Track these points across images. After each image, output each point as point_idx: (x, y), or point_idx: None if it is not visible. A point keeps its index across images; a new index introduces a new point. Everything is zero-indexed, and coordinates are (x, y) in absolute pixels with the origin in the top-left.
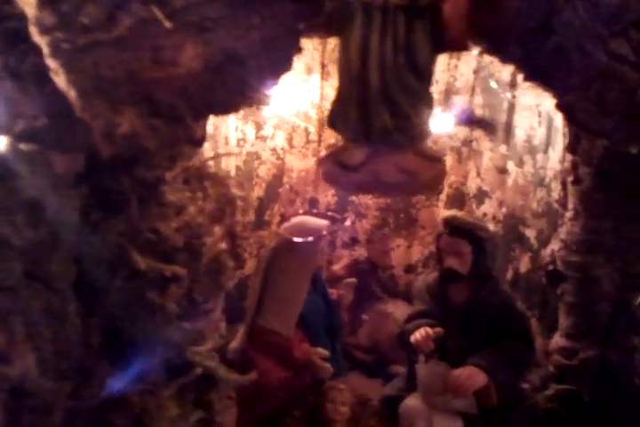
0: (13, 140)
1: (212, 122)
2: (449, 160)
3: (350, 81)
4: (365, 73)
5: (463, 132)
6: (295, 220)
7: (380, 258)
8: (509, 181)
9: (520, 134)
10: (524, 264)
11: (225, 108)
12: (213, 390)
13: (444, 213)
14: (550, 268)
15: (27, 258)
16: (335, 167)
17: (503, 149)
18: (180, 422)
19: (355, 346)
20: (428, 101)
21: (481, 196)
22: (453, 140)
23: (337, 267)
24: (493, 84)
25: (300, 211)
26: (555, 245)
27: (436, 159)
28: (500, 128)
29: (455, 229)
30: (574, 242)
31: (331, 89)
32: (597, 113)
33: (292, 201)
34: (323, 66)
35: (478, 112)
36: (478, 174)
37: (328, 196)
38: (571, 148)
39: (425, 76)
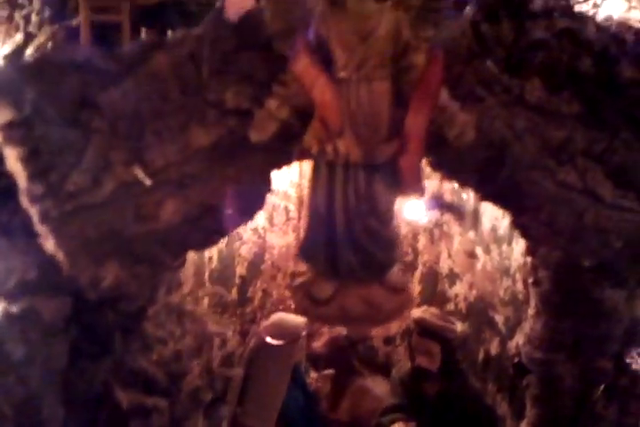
0: (6, 299)
1: None
2: (422, 240)
3: (318, 223)
4: (331, 217)
5: (434, 215)
6: (274, 318)
7: (359, 332)
8: (478, 266)
9: (487, 223)
10: (494, 347)
11: (203, 247)
12: None
13: (415, 311)
14: (516, 360)
15: (17, 415)
16: (305, 300)
17: (472, 234)
18: None
19: (335, 422)
20: (390, 240)
21: (452, 277)
22: (426, 222)
23: (317, 344)
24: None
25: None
26: (519, 339)
27: (399, 290)
28: (468, 214)
29: (424, 330)
30: (537, 339)
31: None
32: (549, 233)
33: (273, 276)
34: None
35: (447, 198)
36: (449, 256)
37: None
38: (529, 251)
39: (386, 219)
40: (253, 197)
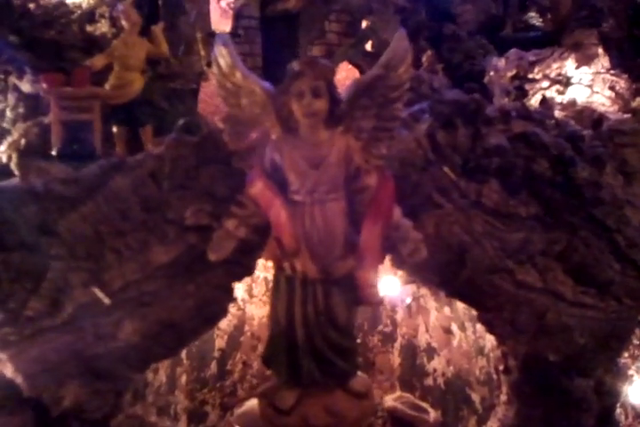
0: None
1: None
2: (400, 312)
3: (279, 334)
4: (291, 329)
5: (411, 287)
6: (247, 406)
7: None
8: (455, 342)
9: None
10: (472, 426)
11: (165, 358)
12: None
13: (387, 400)
14: None
15: None
16: (269, 409)
17: (447, 310)
18: None
19: None
20: (351, 349)
21: (430, 351)
22: (403, 297)
23: None
24: None
25: None
26: (493, 424)
27: (362, 396)
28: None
29: (397, 420)
30: (509, 426)
31: None
32: (512, 331)
33: (253, 347)
34: None
35: None
36: (427, 330)
37: None
38: (499, 341)
39: (346, 330)
40: (215, 312)
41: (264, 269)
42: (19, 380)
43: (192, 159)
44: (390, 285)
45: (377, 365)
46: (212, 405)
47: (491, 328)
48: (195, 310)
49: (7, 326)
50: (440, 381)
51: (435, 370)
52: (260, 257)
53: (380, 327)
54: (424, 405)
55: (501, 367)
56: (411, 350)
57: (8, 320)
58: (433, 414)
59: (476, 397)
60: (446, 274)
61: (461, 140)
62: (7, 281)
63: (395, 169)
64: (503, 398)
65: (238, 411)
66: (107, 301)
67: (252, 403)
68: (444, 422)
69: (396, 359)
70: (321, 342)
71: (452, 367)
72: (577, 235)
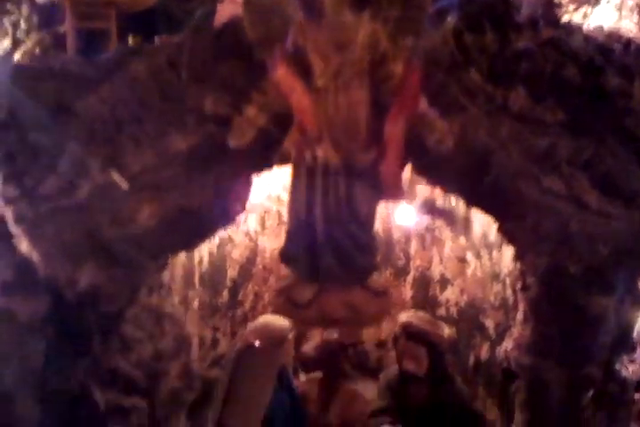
0: None
1: None
2: (414, 245)
3: (298, 226)
4: (311, 222)
5: (426, 220)
6: (260, 321)
7: (350, 336)
8: (469, 271)
9: (477, 228)
10: (485, 352)
11: (182, 250)
12: None
13: (401, 316)
14: (504, 365)
15: None
16: (286, 303)
17: (462, 240)
18: None
19: (325, 425)
20: (371, 245)
21: (444, 282)
22: (418, 227)
23: (307, 348)
24: None
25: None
26: (508, 344)
27: (381, 294)
28: (459, 220)
29: (411, 334)
30: (525, 344)
31: None
32: (535, 240)
33: (265, 279)
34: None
35: (439, 203)
36: (441, 261)
37: None
38: (517, 257)
39: (367, 224)
40: (234, 204)
41: (277, 201)
42: (35, 257)
43: (211, 50)
44: (405, 214)
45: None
46: (222, 332)
47: (512, 239)
48: (214, 200)
49: (22, 202)
50: (453, 310)
51: (447, 300)
52: (279, 151)
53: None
54: (439, 322)
55: (519, 286)
56: (424, 283)
57: (23, 196)
58: (447, 331)
59: (489, 323)
60: (470, 180)
61: (489, 43)
62: (23, 158)
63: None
64: (519, 317)
65: (251, 325)
66: (124, 185)
67: (265, 318)
68: (457, 349)
69: (408, 292)
70: (341, 236)
71: (465, 296)
72: (604, 144)
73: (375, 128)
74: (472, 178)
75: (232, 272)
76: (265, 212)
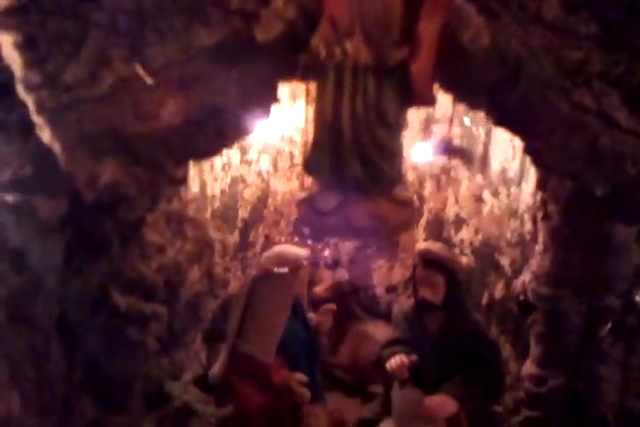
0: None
1: None
2: (428, 187)
3: (324, 131)
4: (338, 125)
5: (442, 160)
6: (276, 249)
7: (361, 279)
8: (485, 210)
9: (495, 166)
10: (499, 290)
11: (205, 155)
12: (193, 420)
13: (419, 244)
14: (521, 298)
15: (11, 302)
16: (310, 212)
17: (479, 178)
18: None
19: (335, 365)
20: (397, 152)
21: (459, 222)
22: (433, 168)
23: (319, 289)
24: (467, 121)
25: (283, 239)
26: (526, 277)
27: (406, 204)
28: (477, 158)
29: (429, 261)
30: (544, 275)
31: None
32: (562, 158)
33: (276, 222)
34: (307, 92)
35: (456, 142)
36: (456, 201)
37: None
38: (540, 185)
39: (394, 130)
40: (258, 108)
41: (289, 143)
42: (56, 149)
43: None
44: (421, 152)
45: (400, 243)
46: (233, 273)
47: (538, 158)
48: (238, 99)
49: (44, 90)
50: (467, 250)
51: (462, 241)
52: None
53: None
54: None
55: (540, 215)
56: (437, 224)
57: (45, 83)
58: (465, 259)
59: (505, 260)
60: (499, 93)
61: None
62: (45, 43)
63: None
64: (538, 248)
65: (267, 253)
66: (148, 80)
67: (281, 246)
68: (470, 287)
69: (421, 234)
70: (368, 141)
71: (480, 236)
72: (637, 60)
73: (409, 23)
74: (502, 90)
75: (243, 212)
76: (277, 153)
